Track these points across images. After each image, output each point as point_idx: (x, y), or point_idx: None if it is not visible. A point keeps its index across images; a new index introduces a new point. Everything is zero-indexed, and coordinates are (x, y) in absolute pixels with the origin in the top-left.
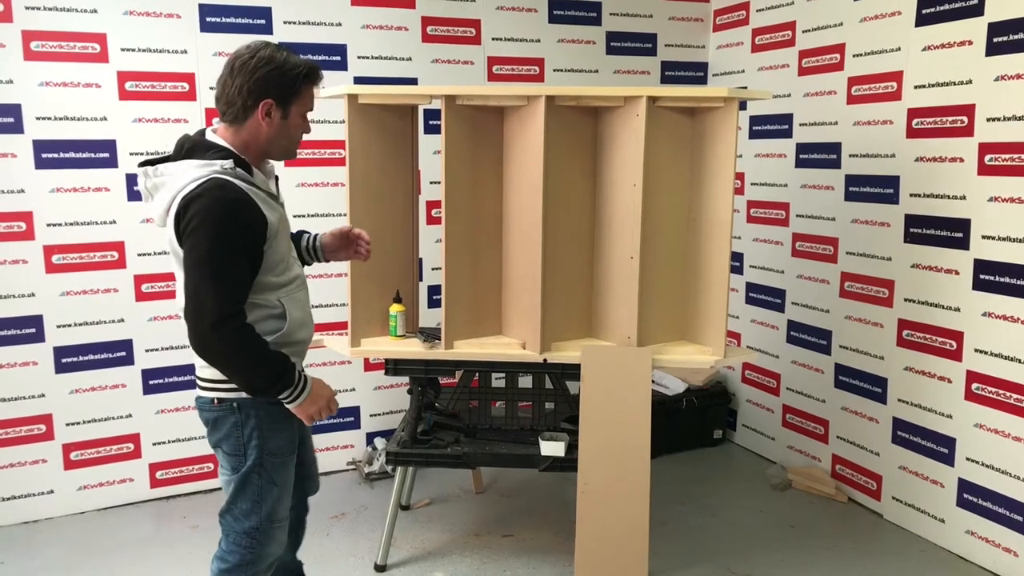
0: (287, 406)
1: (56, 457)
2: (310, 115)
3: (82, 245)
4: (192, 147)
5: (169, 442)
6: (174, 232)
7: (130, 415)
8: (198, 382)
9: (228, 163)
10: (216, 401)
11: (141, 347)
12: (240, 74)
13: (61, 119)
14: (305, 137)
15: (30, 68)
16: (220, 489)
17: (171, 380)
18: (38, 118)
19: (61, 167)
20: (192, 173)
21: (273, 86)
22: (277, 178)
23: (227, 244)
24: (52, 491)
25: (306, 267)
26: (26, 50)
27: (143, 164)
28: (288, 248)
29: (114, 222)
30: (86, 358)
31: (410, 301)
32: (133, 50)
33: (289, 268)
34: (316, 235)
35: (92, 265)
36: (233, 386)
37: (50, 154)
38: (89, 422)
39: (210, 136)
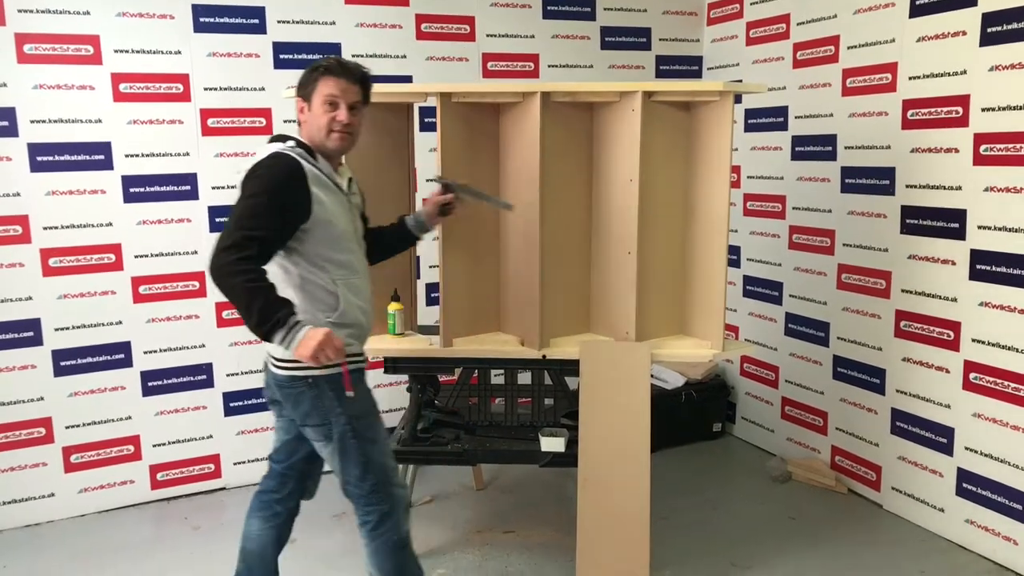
0: (284, 350)
1: (56, 460)
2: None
3: (79, 248)
4: (273, 138)
5: (169, 443)
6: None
7: (130, 417)
8: (273, 361)
9: (291, 143)
10: (291, 379)
11: (140, 349)
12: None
13: (56, 122)
14: None
15: (23, 71)
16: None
17: (170, 382)
18: (32, 121)
19: (56, 170)
20: (265, 149)
21: (299, 87)
22: (352, 179)
23: (264, 195)
24: (53, 494)
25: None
26: (19, 53)
27: None
28: (350, 235)
29: (110, 224)
30: (85, 361)
31: (408, 299)
32: (127, 52)
33: (348, 251)
34: (418, 211)
35: (89, 268)
36: (303, 364)
37: (45, 157)
38: (89, 424)
39: (287, 131)
